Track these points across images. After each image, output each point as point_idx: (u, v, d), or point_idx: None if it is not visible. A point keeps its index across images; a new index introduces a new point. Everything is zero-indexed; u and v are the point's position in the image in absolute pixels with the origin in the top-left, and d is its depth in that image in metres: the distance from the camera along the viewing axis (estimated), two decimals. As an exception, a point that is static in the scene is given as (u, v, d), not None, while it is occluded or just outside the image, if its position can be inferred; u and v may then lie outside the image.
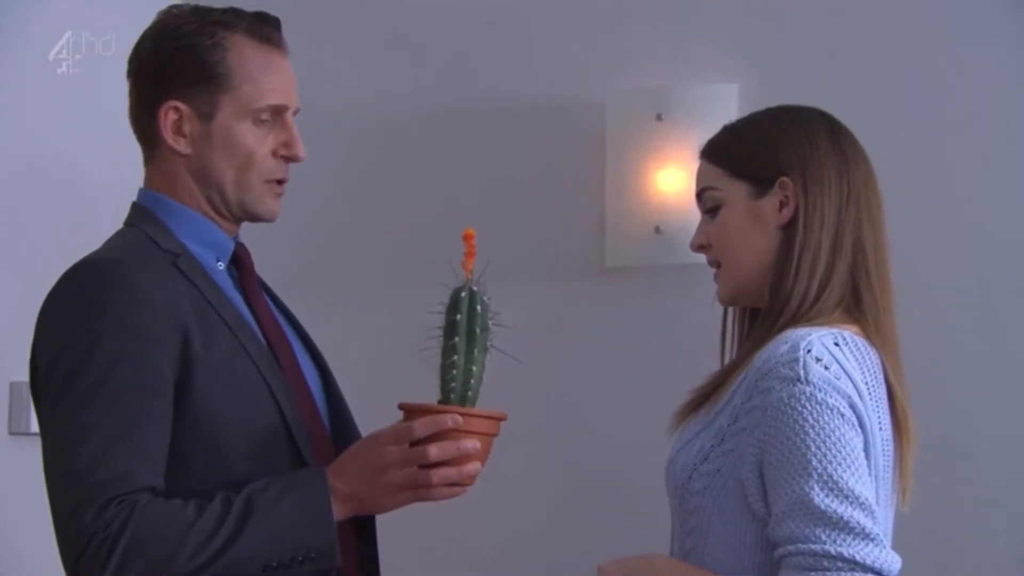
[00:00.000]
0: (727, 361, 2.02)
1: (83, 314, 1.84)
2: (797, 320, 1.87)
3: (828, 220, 1.90)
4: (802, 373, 1.76)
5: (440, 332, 1.88)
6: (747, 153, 1.95)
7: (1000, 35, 2.68)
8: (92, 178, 3.00)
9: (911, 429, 1.89)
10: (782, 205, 1.92)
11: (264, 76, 1.96)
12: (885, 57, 2.72)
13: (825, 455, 1.73)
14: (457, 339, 1.87)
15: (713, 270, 2.00)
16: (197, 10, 1.99)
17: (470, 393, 1.88)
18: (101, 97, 3.01)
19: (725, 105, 2.73)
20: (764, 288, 1.93)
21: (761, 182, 1.93)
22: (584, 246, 2.88)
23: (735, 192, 1.95)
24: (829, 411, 1.75)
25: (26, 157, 2.95)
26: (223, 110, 1.95)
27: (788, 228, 1.91)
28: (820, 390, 1.75)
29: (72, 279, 1.89)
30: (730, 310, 2.04)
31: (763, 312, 1.92)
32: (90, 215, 2.94)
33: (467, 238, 1.88)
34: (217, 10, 1.99)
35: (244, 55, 1.95)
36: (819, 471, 1.72)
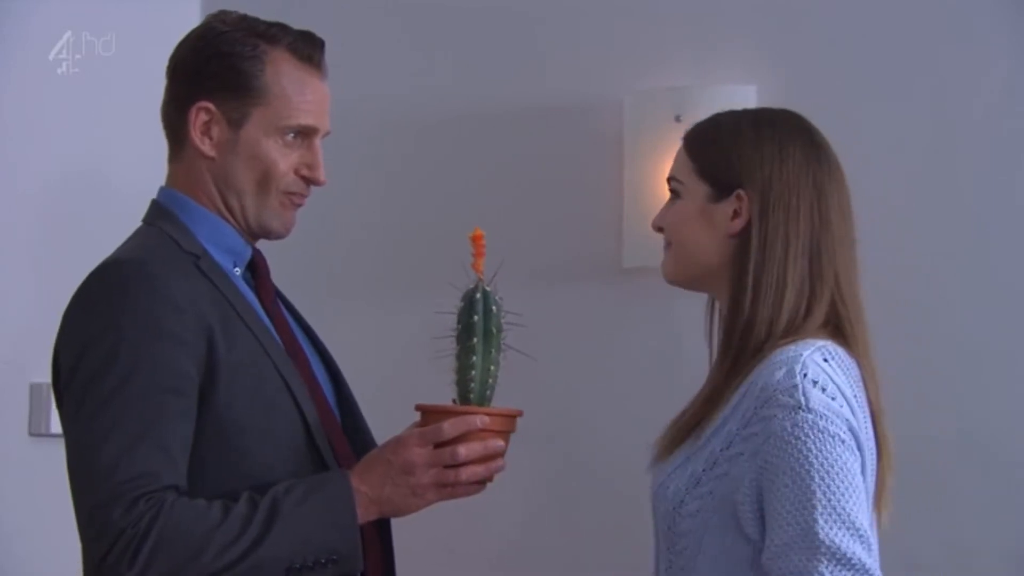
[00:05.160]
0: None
1: (107, 314, 1.84)
2: (771, 341, 1.86)
3: (793, 245, 1.88)
4: (803, 400, 1.77)
5: (454, 333, 1.89)
6: (717, 156, 1.95)
7: (1020, 37, 2.67)
8: (93, 178, 3.01)
9: (888, 439, 1.88)
10: (735, 215, 1.92)
11: (298, 95, 1.96)
12: (902, 58, 2.71)
13: (829, 486, 1.74)
14: (475, 340, 1.88)
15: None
16: (244, 19, 1.99)
17: (488, 393, 1.90)
18: (101, 97, 3.02)
19: (743, 106, 2.68)
20: (713, 283, 1.95)
21: (720, 188, 1.93)
22: (601, 246, 2.88)
23: (696, 190, 1.95)
24: (831, 439, 1.76)
25: (26, 158, 2.95)
26: (253, 122, 1.95)
27: (741, 238, 1.91)
28: (822, 417, 1.76)
29: (96, 280, 1.89)
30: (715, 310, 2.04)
31: (726, 330, 1.91)
32: (93, 215, 2.95)
33: (475, 239, 1.89)
34: (264, 23, 1.99)
35: (282, 71, 1.96)
36: (823, 502, 1.73)
